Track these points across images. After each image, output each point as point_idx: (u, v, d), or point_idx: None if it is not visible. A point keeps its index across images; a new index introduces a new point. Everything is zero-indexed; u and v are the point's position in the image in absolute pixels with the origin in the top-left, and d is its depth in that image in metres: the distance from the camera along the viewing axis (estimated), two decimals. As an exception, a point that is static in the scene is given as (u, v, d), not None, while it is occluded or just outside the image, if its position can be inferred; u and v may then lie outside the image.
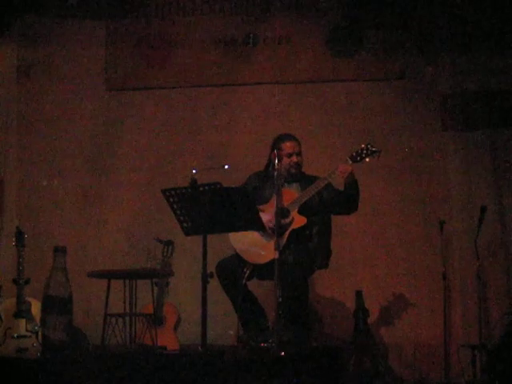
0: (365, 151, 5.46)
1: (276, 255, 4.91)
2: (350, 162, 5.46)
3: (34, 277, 5.91)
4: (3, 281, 6.39)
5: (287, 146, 5.62)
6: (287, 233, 5.42)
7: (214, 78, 6.93)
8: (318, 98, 6.81)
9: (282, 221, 5.30)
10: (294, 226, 5.45)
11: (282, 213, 5.32)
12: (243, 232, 5.33)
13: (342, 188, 5.54)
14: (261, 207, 5.45)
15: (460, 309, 6.41)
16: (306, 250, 5.49)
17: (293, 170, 5.64)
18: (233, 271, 5.44)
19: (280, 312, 4.88)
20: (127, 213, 6.88)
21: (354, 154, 5.47)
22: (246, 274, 5.39)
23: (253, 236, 5.43)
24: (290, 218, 5.44)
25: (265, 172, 5.73)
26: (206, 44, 6.95)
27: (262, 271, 5.45)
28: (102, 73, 7.05)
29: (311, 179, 5.59)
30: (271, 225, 5.34)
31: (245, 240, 5.45)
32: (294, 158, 5.63)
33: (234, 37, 6.93)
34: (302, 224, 5.46)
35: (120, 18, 7.05)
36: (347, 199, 5.54)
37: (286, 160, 5.59)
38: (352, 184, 5.51)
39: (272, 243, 5.05)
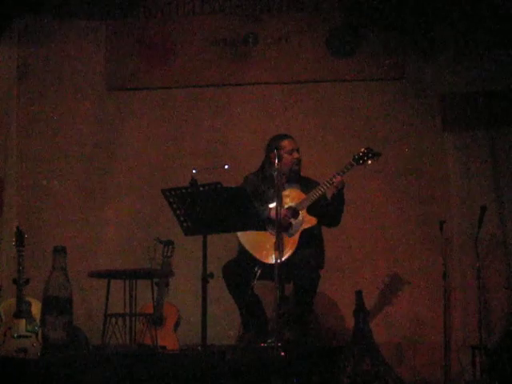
0: (366, 154, 5.47)
1: (276, 255, 4.91)
2: (354, 164, 5.46)
3: (34, 277, 5.91)
4: (3, 281, 6.40)
5: (287, 144, 5.64)
6: (299, 232, 5.43)
7: (214, 78, 6.93)
8: (318, 97, 6.81)
9: (293, 220, 5.35)
10: (305, 225, 5.45)
11: (293, 212, 5.39)
12: (254, 231, 5.31)
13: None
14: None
15: (460, 309, 6.41)
16: (316, 250, 5.51)
17: (296, 167, 5.64)
18: (241, 273, 5.41)
19: (285, 312, 4.88)
20: (127, 213, 6.87)
21: (357, 156, 5.48)
22: (258, 274, 5.35)
23: (264, 235, 5.38)
24: (301, 217, 5.45)
25: (261, 173, 5.72)
26: (206, 44, 6.95)
27: (272, 272, 5.42)
28: (102, 73, 7.05)
29: (311, 181, 5.62)
30: (286, 219, 5.35)
31: (256, 239, 5.43)
32: (296, 154, 5.64)
33: (234, 37, 6.93)
34: (313, 224, 5.47)
35: (120, 17, 7.05)
36: (334, 210, 5.55)
37: (287, 157, 5.59)
38: (340, 197, 5.51)
39: (284, 243, 5.06)
